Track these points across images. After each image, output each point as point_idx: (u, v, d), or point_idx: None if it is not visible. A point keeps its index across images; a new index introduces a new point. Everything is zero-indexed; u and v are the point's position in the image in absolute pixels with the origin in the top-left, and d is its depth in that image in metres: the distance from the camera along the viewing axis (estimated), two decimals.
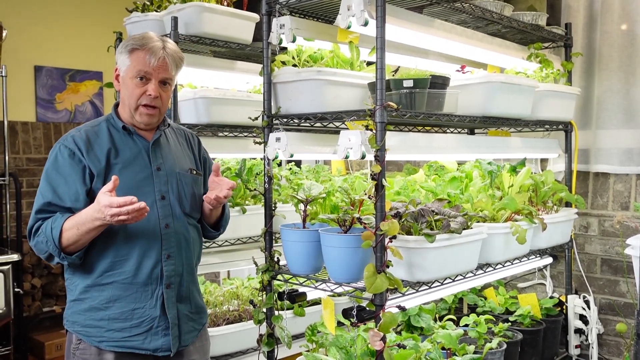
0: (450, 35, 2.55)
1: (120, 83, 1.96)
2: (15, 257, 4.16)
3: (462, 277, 2.28)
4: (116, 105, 2.01)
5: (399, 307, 1.93)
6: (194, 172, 2.05)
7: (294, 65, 2.34)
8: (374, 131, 1.89)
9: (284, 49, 2.41)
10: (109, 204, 1.68)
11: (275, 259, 2.36)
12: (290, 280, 2.28)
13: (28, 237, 1.88)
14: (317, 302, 2.91)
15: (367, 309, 1.94)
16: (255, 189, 2.62)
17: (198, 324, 2.04)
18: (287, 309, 2.44)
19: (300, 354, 2.34)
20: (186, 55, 2.93)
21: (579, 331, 3.25)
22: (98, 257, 1.86)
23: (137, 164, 1.92)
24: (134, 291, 1.87)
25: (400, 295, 2.02)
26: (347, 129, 2.04)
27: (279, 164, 3.34)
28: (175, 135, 2.10)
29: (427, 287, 2.13)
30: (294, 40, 2.23)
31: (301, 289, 2.30)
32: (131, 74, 1.90)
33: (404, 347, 2.08)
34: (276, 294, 2.34)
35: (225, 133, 2.89)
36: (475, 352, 2.44)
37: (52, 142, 5.08)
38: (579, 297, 3.27)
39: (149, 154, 1.95)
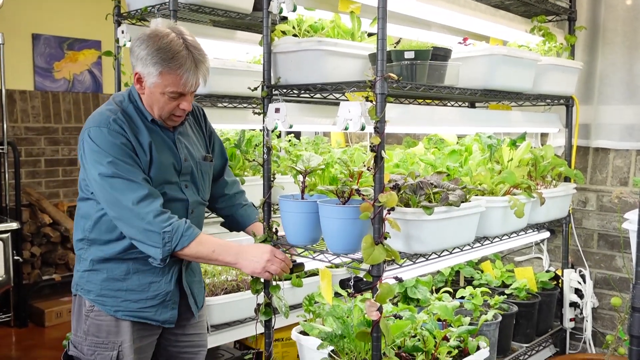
0: (453, 6, 2.52)
1: (145, 89, 1.91)
2: (14, 225, 4.18)
3: (459, 250, 2.29)
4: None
5: (396, 278, 1.95)
6: (208, 158, 2.14)
7: (295, 35, 2.31)
8: (374, 103, 1.87)
9: (285, 18, 2.38)
10: (283, 257, 2.02)
11: (274, 230, 2.36)
12: (288, 251, 2.29)
13: (147, 217, 1.82)
14: (314, 273, 2.93)
15: (364, 279, 1.95)
16: (254, 160, 2.61)
17: (201, 284, 2.20)
18: (285, 280, 2.45)
19: (297, 323, 2.36)
20: (185, 24, 2.90)
21: (574, 305, 3.28)
22: (127, 239, 1.91)
23: (169, 156, 1.98)
24: (153, 266, 1.93)
25: (398, 266, 2.03)
26: (347, 100, 2.03)
27: (279, 136, 3.32)
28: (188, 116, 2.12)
29: (424, 259, 2.14)
30: (294, 10, 2.19)
31: (299, 260, 2.31)
32: (161, 90, 1.88)
33: (400, 317, 2.09)
34: None
35: (225, 104, 2.87)
36: (470, 324, 2.47)
37: (50, 110, 5.05)
38: (575, 272, 3.30)
39: (176, 145, 2.01)
